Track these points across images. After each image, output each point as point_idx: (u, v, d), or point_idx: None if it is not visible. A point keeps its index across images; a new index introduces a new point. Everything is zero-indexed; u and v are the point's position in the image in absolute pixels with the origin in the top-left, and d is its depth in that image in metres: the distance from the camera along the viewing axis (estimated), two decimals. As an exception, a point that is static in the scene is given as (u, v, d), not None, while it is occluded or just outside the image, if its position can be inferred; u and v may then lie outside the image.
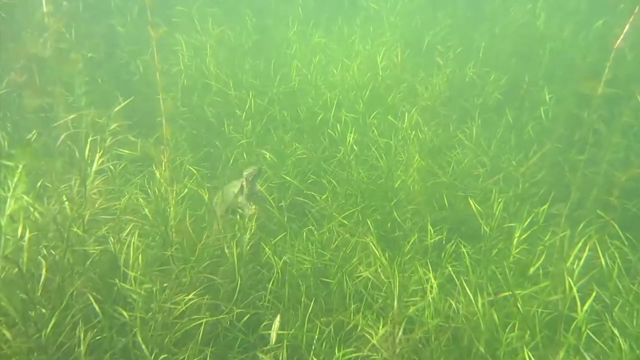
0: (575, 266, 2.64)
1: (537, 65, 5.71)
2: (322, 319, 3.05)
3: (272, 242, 3.29)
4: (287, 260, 3.27)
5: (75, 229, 2.47)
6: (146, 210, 3.11)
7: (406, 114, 4.71)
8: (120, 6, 5.88)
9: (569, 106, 5.13)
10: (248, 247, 3.22)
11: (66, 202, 2.41)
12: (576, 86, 5.23)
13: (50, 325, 2.10)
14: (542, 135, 4.90)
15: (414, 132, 4.53)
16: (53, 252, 2.41)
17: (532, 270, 3.09)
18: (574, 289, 2.57)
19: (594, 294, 2.38)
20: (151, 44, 3.14)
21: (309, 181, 4.40)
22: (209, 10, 6.23)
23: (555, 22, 5.98)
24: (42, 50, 3.67)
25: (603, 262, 2.65)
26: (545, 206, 3.25)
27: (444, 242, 3.54)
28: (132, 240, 2.69)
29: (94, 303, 2.27)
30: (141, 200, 3.12)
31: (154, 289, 2.46)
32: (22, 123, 3.86)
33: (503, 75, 5.58)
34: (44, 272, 2.26)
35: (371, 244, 3.24)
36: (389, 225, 3.91)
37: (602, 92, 3.24)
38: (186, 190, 3.33)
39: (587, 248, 2.71)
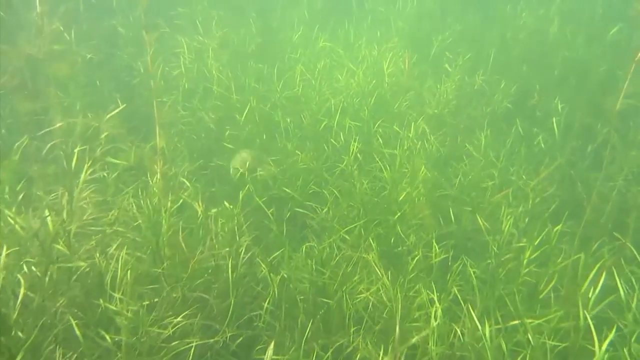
0: (590, 294, 2.47)
1: (550, 74, 5.52)
2: (319, 341, 2.90)
3: (269, 259, 3.14)
4: (285, 275, 3.13)
5: (60, 245, 2.34)
6: (138, 221, 2.98)
7: (412, 123, 4.55)
8: (122, 6, 5.77)
9: (582, 117, 4.94)
10: (242, 261, 3.08)
11: (49, 217, 2.28)
12: (590, 96, 5.05)
13: (23, 350, 1.96)
14: (553, 147, 4.72)
15: (420, 142, 4.37)
16: (34, 269, 2.27)
17: (542, 295, 2.93)
18: (589, 319, 2.41)
19: (613, 331, 2.20)
20: (151, 46, 3.01)
21: (310, 192, 4.25)
22: (212, 12, 6.11)
23: (569, 28, 5.79)
24: (37, 52, 3.55)
25: (622, 292, 2.47)
26: (559, 227, 3.07)
27: (449, 261, 3.37)
28: (121, 255, 2.56)
29: (74, 325, 2.13)
30: (133, 211, 2.99)
31: (142, 310, 2.32)
32: (14, 127, 3.75)
33: (513, 84, 5.40)
34: (22, 291, 2.12)
35: (373, 262, 3.08)
36: (392, 240, 3.75)
37: (620, 106, 3.06)
38: (181, 201, 3.19)
39: (604, 274, 2.53)
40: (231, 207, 3.41)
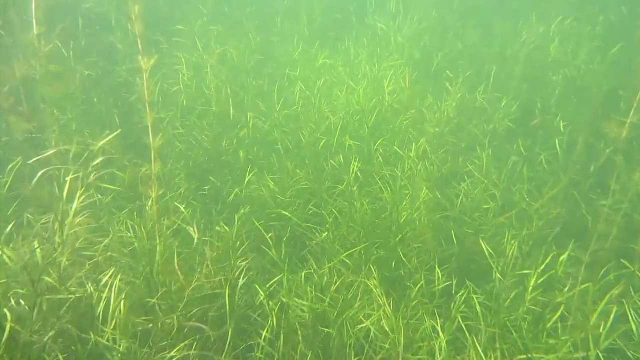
0: (601, 328, 2.39)
1: (551, 92, 5.49)
2: (319, 373, 2.80)
3: (268, 285, 3.05)
4: (284, 300, 3.04)
5: (50, 278, 2.25)
6: (133, 246, 2.89)
7: (413, 142, 4.50)
8: (121, 22, 5.75)
9: (585, 136, 4.90)
10: (240, 287, 2.99)
11: (38, 249, 2.19)
12: (592, 116, 5.01)
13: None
14: (556, 167, 4.65)
15: (421, 163, 4.30)
16: (22, 302, 2.18)
17: (549, 324, 2.84)
18: (600, 355, 2.32)
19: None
20: (147, 71, 2.97)
21: (310, 212, 4.17)
22: (211, 28, 6.10)
23: (570, 47, 5.78)
24: (34, 72, 3.50)
25: (633, 326, 2.39)
26: (565, 256, 2.99)
27: (453, 288, 3.28)
28: (115, 283, 2.47)
29: (63, 364, 2.03)
30: (127, 236, 2.90)
31: (135, 345, 2.22)
32: (9, 148, 3.68)
33: (514, 102, 5.36)
34: (8, 325, 2.03)
35: (374, 289, 2.99)
36: (393, 264, 3.66)
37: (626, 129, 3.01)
38: (176, 225, 3.11)
39: (614, 311, 2.44)
40: (228, 230, 3.33)
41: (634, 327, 2.42)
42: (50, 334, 2.19)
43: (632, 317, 2.54)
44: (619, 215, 3.77)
